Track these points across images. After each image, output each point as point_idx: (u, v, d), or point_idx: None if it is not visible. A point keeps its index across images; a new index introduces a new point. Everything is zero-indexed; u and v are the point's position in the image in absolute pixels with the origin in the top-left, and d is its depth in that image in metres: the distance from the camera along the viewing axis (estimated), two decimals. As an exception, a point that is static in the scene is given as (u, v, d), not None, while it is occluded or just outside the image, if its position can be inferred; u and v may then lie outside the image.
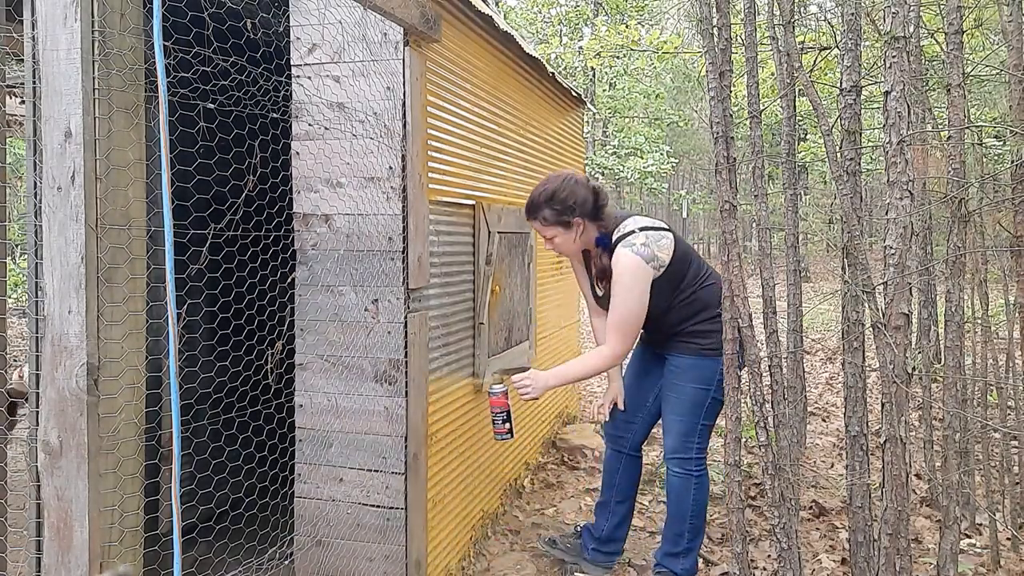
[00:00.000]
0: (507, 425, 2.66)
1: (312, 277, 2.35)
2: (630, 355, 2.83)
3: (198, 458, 2.57)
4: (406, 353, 2.28)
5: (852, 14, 2.20)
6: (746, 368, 2.21)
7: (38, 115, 1.69)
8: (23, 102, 1.78)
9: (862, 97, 2.24)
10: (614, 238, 2.56)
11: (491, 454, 3.25)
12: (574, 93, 4.59)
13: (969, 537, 3.22)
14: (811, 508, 3.55)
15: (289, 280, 2.42)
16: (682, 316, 2.61)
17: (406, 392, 2.28)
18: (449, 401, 2.73)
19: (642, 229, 2.52)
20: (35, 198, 1.71)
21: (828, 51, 5.15)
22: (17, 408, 1.97)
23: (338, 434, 2.34)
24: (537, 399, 2.67)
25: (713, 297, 2.54)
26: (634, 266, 2.47)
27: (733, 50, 2.22)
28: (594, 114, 18.12)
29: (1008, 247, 2.72)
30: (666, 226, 2.60)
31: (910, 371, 1.99)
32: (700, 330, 2.60)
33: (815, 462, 4.36)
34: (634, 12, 18.06)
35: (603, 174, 16.65)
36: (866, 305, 2.12)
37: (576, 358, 2.80)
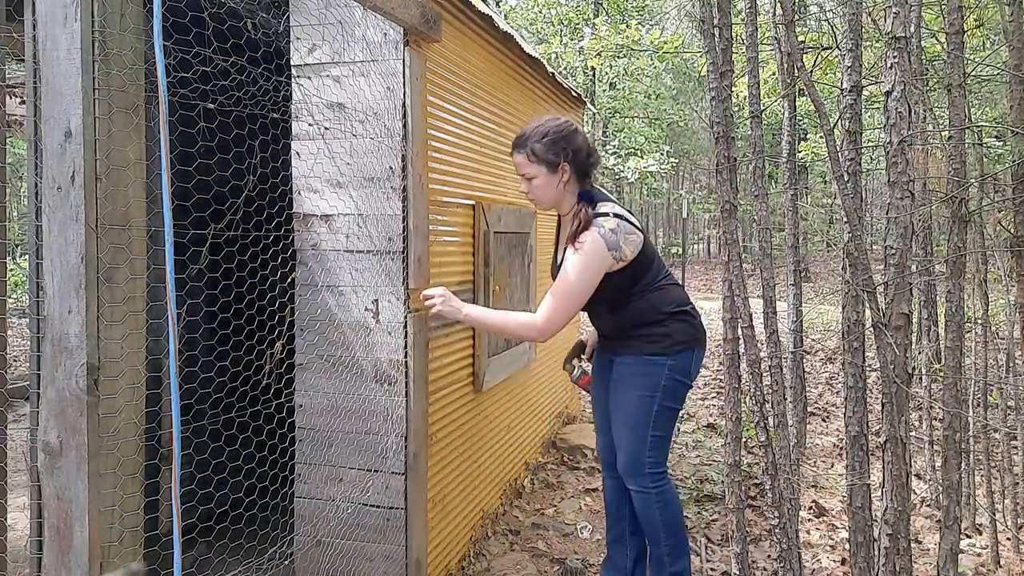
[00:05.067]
0: (582, 366, 2.64)
1: (312, 277, 2.35)
2: (591, 367, 2.66)
3: (198, 458, 2.56)
4: (406, 353, 2.28)
5: (853, 14, 2.20)
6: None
7: (38, 115, 1.69)
8: (23, 102, 1.78)
9: (863, 97, 2.24)
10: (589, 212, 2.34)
11: (491, 454, 3.25)
12: (574, 93, 4.59)
13: (969, 537, 3.22)
14: (811, 508, 3.55)
15: (289, 280, 2.42)
16: (634, 316, 2.37)
17: (406, 392, 2.28)
18: (449, 401, 2.73)
19: (616, 215, 2.29)
20: (35, 198, 1.71)
21: (829, 51, 5.14)
22: None
23: (338, 434, 2.34)
24: (442, 314, 2.30)
25: (665, 299, 2.36)
26: (594, 247, 2.23)
27: (734, 50, 2.22)
28: (594, 114, 18.11)
29: (1008, 247, 2.72)
30: (638, 224, 2.39)
31: (910, 371, 1.99)
32: (646, 333, 2.36)
33: (815, 462, 4.36)
34: (634, 12, 18.07)
35: (603, 174, 16.65)
36: (866, 305, 2.12)
37: (506, 312, 2.50)
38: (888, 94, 1.93)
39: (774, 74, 6.54)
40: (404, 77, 2.24)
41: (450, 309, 2.28)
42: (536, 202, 2.43)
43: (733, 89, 2.26)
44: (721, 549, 3.11)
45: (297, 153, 2.36)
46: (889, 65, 1.92)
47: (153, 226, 1.83)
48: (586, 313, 2.49)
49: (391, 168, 2.27)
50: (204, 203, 2.79)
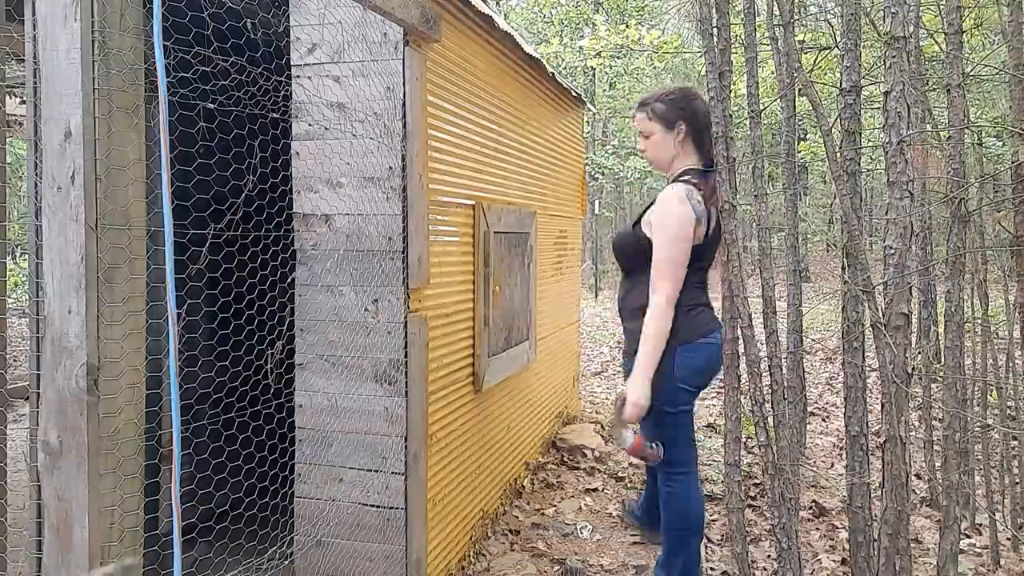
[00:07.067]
0: (655, 446, 2.44)
1: (312, 277, 2.35)
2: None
3: (198, 458, 2.56)
4: (406, 353, 2.28)
5: (852, 14, 2.20)
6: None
7: (38, 115, 1.69)
8: (23, 102, 1.78)
9: (862, 97, 2.24)
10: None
11: (491, 454, 3.25)
12: (574, 93, 4.59)
13: (969, 537, 3.22)
14: (811, 508, 3.55)
15: (289, 280, 2.42)
16: (633, 297, 2.43)
17: (406, 392, 2.28)
18: (449, 401, 2.73)
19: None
20: (35, 198, 1.71)
21: (828, 51, 5.15)
22: None
23: (338, 434, 2.34)
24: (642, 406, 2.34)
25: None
26: (673, 199, 2.28)
27: (732, 50, 2.22)
28: (594, 114, 18.09)
29: (1008, 247, 2.72)
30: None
31: (910, 371, 1.99)
32: (630, 328, 2.44)
33: (815, 462, 4.36)
34: (634, 12, 18.06)
35: (603, 174, 16.65)
36: (866, 305, 2.12)
37: (644, 329, 2.32)
38: (887, 94, 1.93)
39: (773, 74, 6.54)
40: (404, 77, 2.24)
41: (644, 395, 2.29)
42: (651, 161, 2.54)
43: (732, 89, 2.26)
44: (721, 549, 3.11)
45: (297, 153, 2.36)
46: (888, 65, 1.92)
47: (153, 226, 1.83)
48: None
49: (391, 168, 2.27)
50: (204, 203, 2.80)
